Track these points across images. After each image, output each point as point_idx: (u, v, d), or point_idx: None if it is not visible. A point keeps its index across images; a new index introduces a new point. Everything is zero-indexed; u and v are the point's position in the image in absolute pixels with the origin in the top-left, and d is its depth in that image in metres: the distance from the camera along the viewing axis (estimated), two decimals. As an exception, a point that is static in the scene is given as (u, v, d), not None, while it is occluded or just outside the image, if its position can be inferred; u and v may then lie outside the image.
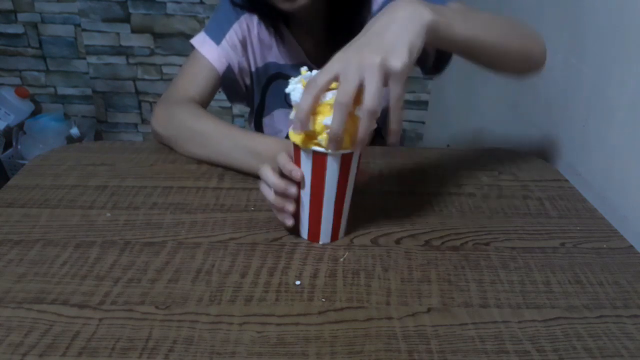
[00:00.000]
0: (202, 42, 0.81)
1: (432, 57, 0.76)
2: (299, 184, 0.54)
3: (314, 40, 0.84)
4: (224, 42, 0.80)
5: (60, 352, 0.42)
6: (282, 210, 0.56)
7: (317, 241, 0.58)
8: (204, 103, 0.80)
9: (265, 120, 0.93)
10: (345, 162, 0.52)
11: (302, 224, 0.57)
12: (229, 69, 0.81)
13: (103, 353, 0.42)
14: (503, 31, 0.60)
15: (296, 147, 0.52)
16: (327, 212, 0.55)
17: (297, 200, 0.55)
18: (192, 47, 0.82)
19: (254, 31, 0.83)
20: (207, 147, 0.71)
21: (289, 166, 0.54)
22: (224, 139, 0.70)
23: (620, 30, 0.72)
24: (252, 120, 0.95)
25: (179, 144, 0.75)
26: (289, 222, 0.57)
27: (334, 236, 0.58)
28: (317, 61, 0.82)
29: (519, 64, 0.67)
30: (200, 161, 0.74)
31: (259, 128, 0.95)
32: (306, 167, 0.53)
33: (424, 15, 0.46)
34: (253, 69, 0.86)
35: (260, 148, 0.66)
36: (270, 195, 0.56)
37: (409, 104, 2.05)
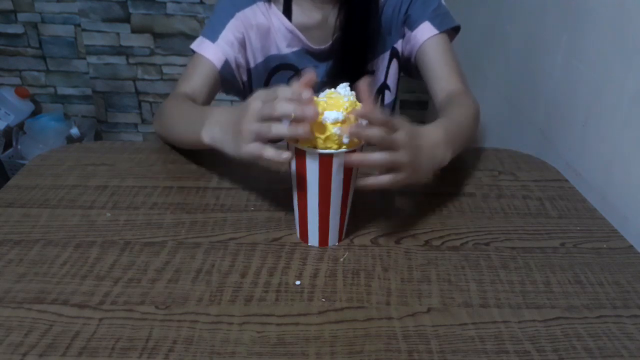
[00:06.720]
0: (199, 44, 0.82)
1: (415, 70, 0.89)
2: (302, 195, 0.54)
3: (313, 25, 0.85)
4: (219, 39, 0.81)
5: (60, 352, 0.42)
6: (303, 119, 0.48)
7: (327, 245, 0.58)
8: (203, 98, 0.80)
9: None
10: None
11: (311, 231, 0.57)
12: (226, 63, 0.82)
13: (103, 353, 0.42)
14: (473, 128, 0.74)
15: (299, 152, 0.51)
16: (334, 213, 0.55)
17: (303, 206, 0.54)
18: (193, 53, 0.83)
19: (252, 26, 0.83)
20: (174, 127, 0.73)
21: (292, 90, 0.49)
22: (185, 116, 0.71)
23: (620, 31, 0.72)
24: None
25: (162, 136, 0.79)
26: (285, 155, 0.51)
27: (340, 238, 0.58)
28: (318, 44, 0.86)
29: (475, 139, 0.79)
30: (200, 161, 0.74)
31: None
32: (312, 171, 0.52)
33: (446, 158, 0.62)
34: (252, 66, 0.87)
35: (210, 113, 0.62)
36: (288, 106, 0.49)
37: (409, 104, 2.05)
